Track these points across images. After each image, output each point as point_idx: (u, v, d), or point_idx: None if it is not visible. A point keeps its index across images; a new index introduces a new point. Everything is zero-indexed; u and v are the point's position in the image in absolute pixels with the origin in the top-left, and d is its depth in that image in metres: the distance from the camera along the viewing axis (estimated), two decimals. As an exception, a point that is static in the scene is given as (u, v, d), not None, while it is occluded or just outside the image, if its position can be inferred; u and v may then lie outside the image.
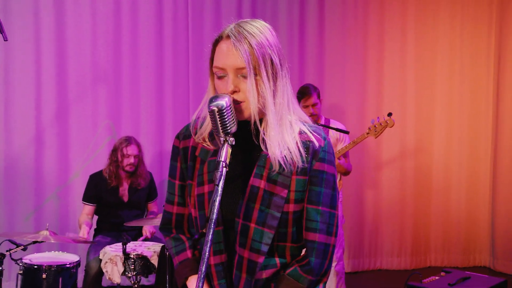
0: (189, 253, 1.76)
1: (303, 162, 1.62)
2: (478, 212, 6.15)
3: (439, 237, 6.14)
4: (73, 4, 5.36)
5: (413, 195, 6.08)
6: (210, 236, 1.45)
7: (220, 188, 1.49)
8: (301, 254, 1.72)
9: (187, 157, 1.76)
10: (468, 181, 6.13)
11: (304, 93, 4.32)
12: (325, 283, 1.74)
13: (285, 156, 1.60)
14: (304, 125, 1.70)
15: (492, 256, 6.02)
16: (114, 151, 4.61)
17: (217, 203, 1.47)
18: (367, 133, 4.30)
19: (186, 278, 1.75)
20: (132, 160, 4.56)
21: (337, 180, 4.13)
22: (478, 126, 6.14)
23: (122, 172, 4.58)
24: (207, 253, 1.44)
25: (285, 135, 1.62)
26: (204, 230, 1.59)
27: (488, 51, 6.11)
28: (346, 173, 4.46)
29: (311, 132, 1.67)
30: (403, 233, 6.08)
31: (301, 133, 1.67)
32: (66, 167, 5.44)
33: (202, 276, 1.42)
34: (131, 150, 4.56)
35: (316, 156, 1.66)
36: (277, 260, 1.68)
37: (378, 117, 4.36)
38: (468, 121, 6.12)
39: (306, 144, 1.66)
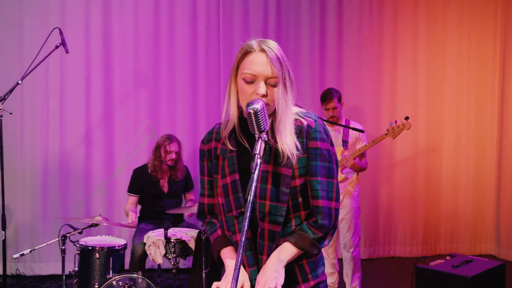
0: (219, 232, 2.00)
1: (298, 148, 1.82)
2: (484, 205, 6.24)
3: (448, 228, 6.22)
4: (118, 18, 5.60)
5: (424, 190, 6.16)
6: (248, 213, 1.64)
7: (256, 176, 1.67)
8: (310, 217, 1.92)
9: (211, 156, 1.98)
10: (475, 177, 6.21)
11: (325, 98, 4.43)
12: (330, 239, 1.91)
13: (290, 149, 1.81)
14: (297, 114, 1.88)
15: (497, 245, 6.13)
16: (158, 147, 4.78)
17: (253, 188, 1.66)
18: (386, 134, 4.41)
19: (219, 251, 1.98)
20: (173, 156, 4.74)
21: (353, 175, 4.36)
22: (485, 127, 6.22)
23: (164, 166, 4.75)
24: (245, 227, 1.64)
25: (289, 132, 1.83)
26: (235, 210, 1.86)
27: (493, 56, 6.20)
28: (361, 170, 4.57)
29: (302, 117, 1.87)
30: (415, 224, 6.16)
31: (295, 120, 1.86)
32: (111, 163, 5.67)
33: (242, 245, 1.61)
34: (173, 147, 4.74)
35: (309, 136, 1.85)
36: (293, 227, 1.86)
37: (396, 120, 4.46)
38: (475, 122, 6.20)
39: (299, 128, 1.85)
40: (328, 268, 4.49)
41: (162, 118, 5.71)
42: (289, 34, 5.94)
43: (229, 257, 1.93)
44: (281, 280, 1.78)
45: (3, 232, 3.85)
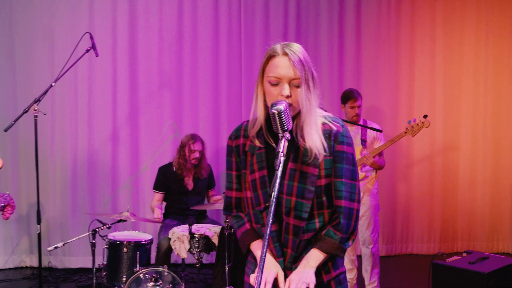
0: (248, 225, 2.07)
1: (325, 148, 1.90)
2: (501, 203, 6.22)
3: (465, 226, 6.22)
4: (143, 23, 5.72)
5: (441, 188, 6.16)
6: (272, 207, 1.71)
7: (279, 172, 1.73)
8: (333, 218, 1.99)
9: (239, 152, 2.04)
10: (492, 175, 6.19)
11: (352, 96, 4.47)
12: (353, 240, 1.99)
13: (317, 147, 1.89)
14: (325, 118, 1.96)
15: (513, 242, 6.12)
16: (182, 146, 4.85)
17: (277, 184, 1.72)
18: (405, 133, 4.42)
19: (249, 244, 2.04)
20: (197, 155, 4.81)
21: (372, 173, 4.40)
22: (502, 125, 6.21)
23: (188, 165, 4.82)
24: (270, 220, 1.69)
25: (315, 130, 1.90)
26: (263, 204, 1.94)
27: (510, 55, 6.17)
28: (380, 168, 4.60)
29: (331, 122, 1.96)
30: (432, 222, 6.17)
31: (323, 124, 1.94)
32: (137, 161, 5.79)
33: (267, 237, 1.66)
34: (197, 146, 4.82)
35: (337, 140, 1.92)
36: (317, 224, 1.95)
37: (414, 119, 4.46)
38: (492, 121, 6.19)
39: (327, 131, 1.92)
40: (347, 264, 4.55)
41: (185, 118, 5.81)
42: (308, 37, 5.99)
43: (259, 249, 2.00)
44: (313, 281, 1.86)
45: (39, 226, 3.98)
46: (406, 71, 6.12)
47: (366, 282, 4.61)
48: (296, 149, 1.92)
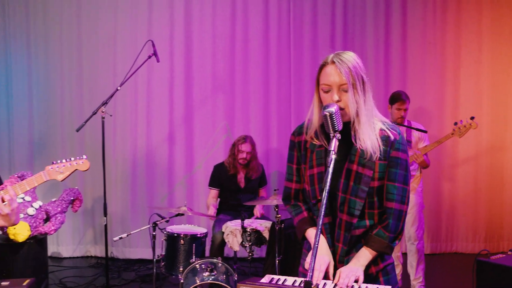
0: (305, 213, 2.20)
1: (381, 152, 2.01)
2: None
3: (510, 225, 6.10)
4: (198, 30, 5.91)
5: (486, 188, 6.08)
6: (324, 200, 1.80)
7: (330, 169, 1.83)
8: (382, 219, 2.09)
9: (301, 148, 2.17)
10: None
11: (400, 98, 4.51)
12: (400, 239, 2.09)
13: (372, 147, 2.00)
14: (383, 124, 2.06)
15: (561, 243, 5.97)
16: (233, 146, 5.02)
17: (329, 180, 1.82)
18: (452, 134, 4.44)
19: (305, 230, 2.17)
20: (244, 155, 4.95)
21: (418, 173, 4.43)
22: None
23: (236, 163, 4.98)
24: (322, 212, 1.78)
25: (371, 133, 2.02)
26: (319, 197, 2.07)
27: None
28: (426, 166, 4.61)
29: (388, 129, 2.07)
30: (477, 221, 6.10)
31: (381, 130, 2.04)
32: (191, 160, 5.98)
33: (319, 227, 1.75)
34: (245, 147, 4.96)
35: (393, 146, 2.02)
36: (367, 222, 2.06)
37: (461, 120, 4.49)
38: None
39: (385, 138, 2.02)
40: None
41: (237, 119, 5.95)
42: (355, 40, 6.03)
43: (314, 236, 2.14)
44: (362, 277, 1.97)
45: (105, 218, 4.19)
46: (452, 73, 6.07)
47: (412, 278, 4.65)
48: (354, 151, 2.03)
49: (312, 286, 1.67)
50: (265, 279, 1.99)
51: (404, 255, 4.80)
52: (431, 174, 5.84)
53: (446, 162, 6.08)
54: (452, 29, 6.06)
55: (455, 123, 4.46)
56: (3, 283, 3.69)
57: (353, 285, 1.93)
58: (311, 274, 1.65)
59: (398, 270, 4.66)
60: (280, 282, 1.97)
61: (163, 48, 5.71)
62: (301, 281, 1.99)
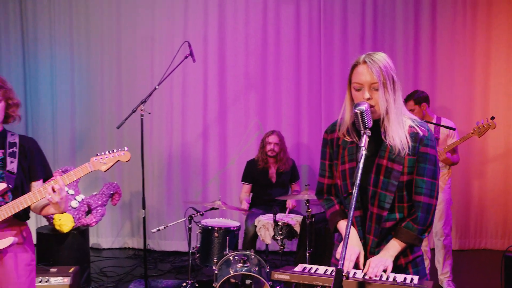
0: (337, 207, 2.28)
1: (410, 148, 2.08)
2: None
3: None
4: (231, 30, 6.03)
5: None
6: (355, 194, 1.86)
7: (361, 164, 1.89)
8: (411, 212, 2.15)
9: (333, 145, 2.25)
10: None
11: (428, 100, 4.59)
12: (429, 232, 2.15)
13: (401, 143, 2.07)
14: (412, 121, 2.14)
15: None
16: (262, 140, 5.18)
17: (359, 174, 1.88)
18: (472, 133, 4.47)
19: (337, 222, 2.24)
20: (272, 146, 5.04)
21: (446, 169, 4.43)
22: None
23: (265, 156, 5.09)
24: (353, 205, 1.83)
25: (400, 130, 2.09)
26: (350, 191, 2.14)
27: None
28: (453, 164, 4.64)
29: (417, 126, 2.13)
30: (507, 218, 6.04)
31: (410, 127, 2.11)
32: (225, 156, 6.11)
33: (350, 219, 1.81)
34: (272, 138, 5.07)
35: (422, 142, 2.09)
36: (397, 215, 2.13)
37: (482, 120, 4.51)
38: None
39: (414, 134, 2.09)
40: (421, 255, 4.63)
41: (269, 117, 6.05)
42: (384, 39, 6.05)
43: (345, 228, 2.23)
44: (390, 267, 2.04)
45: (143, 211, 4.34)
46: (481, 73, 6.03)
47: (439, 273, 4.68)
48: (384, 147, 2.10)
49: (343, 274, 1.76)
50: (298, 268, 2.09)
51: (432, 250, 4.83)
52: (460, 171, 5.82)
53: (476, 159, 6.05)
54: (482, 29, 6.01)
55: (477, 123, 4.49)
56: (52, 270, 3.91)
57: (381, 275, 2.00)
58: (342, 262, 1.73)
59: (426, 264, 4.68)
60: (312, 271, 2.06)
61: (197, 49, 5.82)
62: (332, 269, 2.07)
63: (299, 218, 4.51)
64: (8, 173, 2.53)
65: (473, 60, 6.02)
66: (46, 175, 2.69)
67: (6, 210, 2.49)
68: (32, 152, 2.65)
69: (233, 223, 4.49)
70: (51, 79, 6.16)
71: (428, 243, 4.76)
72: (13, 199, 2.51)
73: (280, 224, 4.34)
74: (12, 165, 2.55)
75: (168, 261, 5.72)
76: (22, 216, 2.61)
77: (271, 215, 4.44)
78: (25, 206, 2.51)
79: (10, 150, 2.57)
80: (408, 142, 2.07)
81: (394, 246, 2.11)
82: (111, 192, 5.17)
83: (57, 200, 2.47)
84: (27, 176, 2.62)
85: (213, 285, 3.88)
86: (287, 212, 4.87)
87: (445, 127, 4.44)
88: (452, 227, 5.67)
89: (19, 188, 2.57)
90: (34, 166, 2.64)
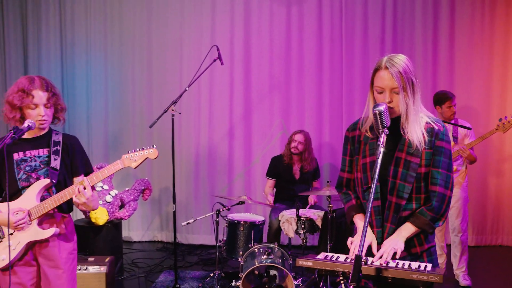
0: (354, 201, 2.41)
1: (427, 142, 2.19)
2: None
3: None
4: (256, 34, 6.15)
5: None
6: (374, 186, 1.96)
7: (379, 161, 2.01)
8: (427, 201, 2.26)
9: (354, 141, 2.37)
10: None
11: (450, 97, 4.60)
12: (443, 221, 2.25)
13: (418, 139, 2.18)
14: (429, 118, 2.24)
15: None
16: (290, 137, 5.29)
17: (377, 169, 2.00)
18: (496, 129, 4.52)
19: (353, 216, 2.37)
20: (296, 144, 5.15)
21: (463, 167, 4.48)
22: None
23: (291, 154, 5.20)
24: (372, 196, 1.95)
25: (417, 129, 2.20)
26: (369, 184, 2.27)
27: None
28: (472, 161, 4.68)
29: (433, 122, 2.24)
30: None
31: (427, 123, 2.22)
32: (250, 154, 6.23)
33: (369, 210, 1.92)
34: (298, 137, 5.18)
35: (437, 137, 2.20)
36: (414, 205, 2.23)
37: (506, 116, 4.58)
38: None
39: (430, 129, 2.21)
40: (437, 250, 4.70)
41: (292, 117, 6.14)
42: (404, 40, 6.09)
43: (360, 220, 2.36)
44: (401, 248, 2.16)
45: (174, 205, 4.49)
46: (499, 72, 6.03)
47: (455, 267, 4.74)
48: (403, 141, 2.22)
49: (362, 260, 1.88)
50: (321, 255, 2.23)
51: (448, 246, 4.89)
52: (477, 169, 5.84)
53: (493, 157, 6.06)
54: (499, 31, 6.02)
55: (500, 119, 4.55)
56: (89, 259, 4.10)
57: (397, 262, 2.12)
58: (361, 250, 1.85)
59: (442, 259, 4.76)
60: (333, 259, 2.19)
61: (224, 52, 5.88)
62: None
63: (320, 213, 4.61)
64: (52, 170, 2.68)
65: (490, 61, 6.03)
66: (87, 171, 2.84)
67: (49, 203, 2.65)
68: (74, 150, 2.80)
69: (258, 218, 4.60)
70: (86, 82, 6.38)
71: (445, 239, 4.82)
72: (56, 193, 2.67)
73: (302, 218, 4.45)
74: (56, 162, 2.70)
75: (195, 254, 5.87)
76: (65, 209, 2.77)
77: (294, 210, 4.54)
78: (66, 200, 2.66)
79: (54, 148, 2.73)
80: (424, 138, 2.19)
81: (407, 228, 2.21)
82: (143, 188, 5.35)
83: (84, 200, 2.62)
84: (69, 172, 2.77)
85: (239, 275, 3.98)
86: (308, 207, 4.97)
87: (462, 126, 4.51)
88: (469, 224, 5.67)
89: (62, 183, 2.72)
90: (75, 163, 2.79)
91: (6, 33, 6.27)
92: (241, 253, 4.26)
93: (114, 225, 5.05)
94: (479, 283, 4.72)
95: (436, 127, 2.22)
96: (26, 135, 2.71)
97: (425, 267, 2.08)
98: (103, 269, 4.02)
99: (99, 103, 6.38)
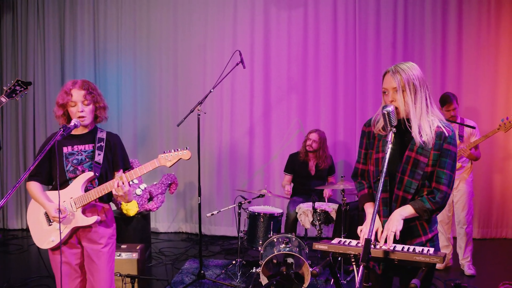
0: (366, 190, 2.53)
1: (435, 144, 2.31)
2: None
3: None
4: (275, 38, 6.28)
5: None
6: (382, 179, 2.12)
7: (387, 156, 2.14)
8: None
9: (370, 136, 2.48)
10: None
11: (446, 101, 4.68)
12: (437, 213, 2.33)
13: (426, 139, 2.29)
14: (440, 122, 2.33)
15: None
16: (306, 135, 5.42)
17: (386, 164, 2.13)
18: (498, 129, 4.59)
19: (364, 203, 2.50)
20: (310, 142, 5.27)
21: (469, 164, 4.60)
22: None
23: (304, 150, 5.33)
24: (381, 187, 2.09)
25: (426, 127, 2.30)
26: (379, 177, 2.40)
27: None
28: (476, 159, 4.76)
29: (444, 127, 2.32)
30: None
31: (438, 126, 2.31)
32: (268, 151, 6.37)
33: (377, 201, 2.06)
34: (312, 136, 5.31)
35: (445, 140, 2.31)
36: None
37: (507, 117, 4.66)
38: None
39: (440, 133, 2.30)
40: (444, 242, 4.83)
41: (308, 116, 6.26)
42: (414, 43, 6.16)
43: (370, 208, 2.51)
44: (400, 227, 2.30)
45: (199, 197, 4.67)
46: (505, 74, 6.06)
47: (460, 258, 4.84)
48: (413, 142, 2.32)
49: (372, 243, 2.06)
50: (335, 240, 2.41)
51: (454, 238, 4.99)
52: (483, 166, 5.90)
53: (498, 155, 6.10)
54: (505, 34, 6.05)
55: (502, 120, 4.62)
56: (122, 246, 4.32)
57: (403, 246, 2.29)
58: (370, 234, 2.02)
59: (449, 250, 4.86)
60: (346, 243, 2.37)
61: (244, 56, 5.95)
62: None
63: (335, 206, 4.73)
64: (96, 164, 2.88)
65: (496, 63, 6.07)
66: (125, 166, 3.03)
67: (92, 194, 2.85)
68: (116, 146, 3.00)
69: (276, 210, 4.73)
70: (117, 84, 6.59)
71: (451, 232, 4.93)
72: (99, 185, 2.87)
73: (318, 211, 4.57)
74: (99, 157, 2.90)
75: (217, 244, 6.03)
76: (105, 199, 2.97)
77: (311, 203, 4.67)
78: (107, 192, 2.85)
79: (99, 144, 2.94)
80: (433, 138, 2.31)
81: (406, 209, 2.32)
82: (169, 182, 5.56)
83: (121, 194, 2.81)
84: (111, 166, 2.97)
85: (259, 263, 4.13)
86: (325, 200, 5.09)
87: (467, 125, 4.61)
88: (475, 218, 5.78)
89: (104, 176, 2.92)
90: (116, 158, 2.99)
91: (46, 41, 6.61)
92: (261, 242, 4.42)
93: (143, 216, 5.25)
94: (483, 273, 4.80)
95: (446, 132, 2.32)
96: (74, 132, 2.92)
97: (428, 250, 2.24)
98: (135, 255, 4.20)
99: (128, 104, 6.59)
